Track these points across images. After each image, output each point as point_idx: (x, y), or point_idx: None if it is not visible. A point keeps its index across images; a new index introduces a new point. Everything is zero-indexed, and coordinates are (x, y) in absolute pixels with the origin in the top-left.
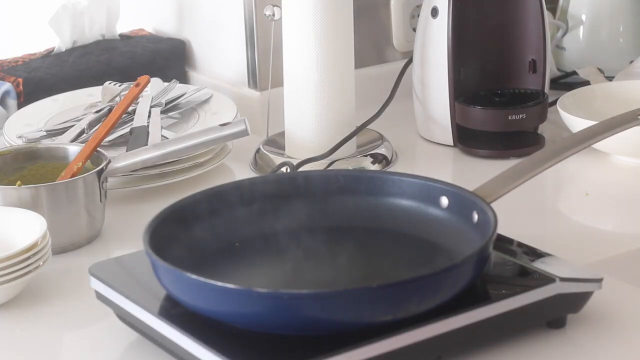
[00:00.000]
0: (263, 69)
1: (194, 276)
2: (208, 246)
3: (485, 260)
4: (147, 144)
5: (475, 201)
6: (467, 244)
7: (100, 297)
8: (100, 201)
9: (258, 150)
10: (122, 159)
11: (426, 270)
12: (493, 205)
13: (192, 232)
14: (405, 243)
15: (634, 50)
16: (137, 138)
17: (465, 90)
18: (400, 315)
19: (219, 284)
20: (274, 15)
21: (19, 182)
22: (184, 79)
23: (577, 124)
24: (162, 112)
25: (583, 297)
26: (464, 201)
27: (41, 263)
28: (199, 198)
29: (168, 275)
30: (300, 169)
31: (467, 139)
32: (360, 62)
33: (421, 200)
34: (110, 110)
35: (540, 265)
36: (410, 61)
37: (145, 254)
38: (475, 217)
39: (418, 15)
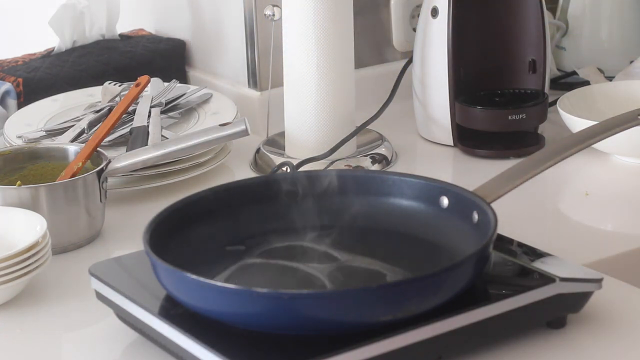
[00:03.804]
0: (263, 69)
1: (194, 276)
2: (208, 246)
3: (485, 260)
4: (147, 144)
5: (475, 201)
6: (467, 244)
7: (100, 297)
8: (100, 201)
9: (258, 150)
10: (122, 159)
11: (426, 271)
12: (493, 205)
13: (192, 232)
14: (405, 243)
15: (634, 50)
16: (137, 138)
17: (465, 90)
18: (401, 315)
19: (219, 284)
20: (274, 15)
21: (19, 182)
22: (184, 79)
23: (577, 124)
24: (162, 112)
25: (583, 297)
26: (464, 201)
27: (41, 263)
28: (200, 197)
29: (168, 275)
30: (300, 169)
31: (467, 139)
32: (360, 62)
33: (421, 200)
34: (110, 111)
35: (540, 265)
36: (410, 61)
37: (145, 254)
38: (476, 217)
39: (418, 15)
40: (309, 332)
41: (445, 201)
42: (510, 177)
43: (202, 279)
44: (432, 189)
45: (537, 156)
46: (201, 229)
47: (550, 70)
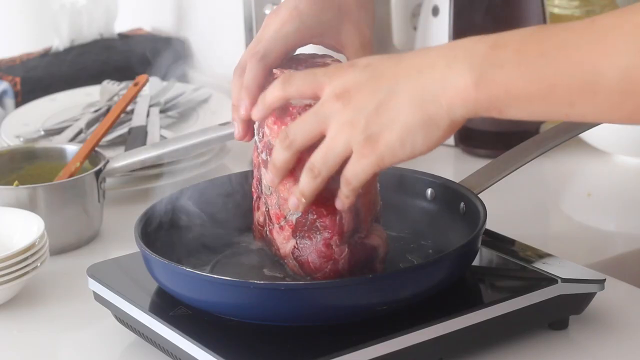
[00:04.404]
0: None
1: (189, 269)
2: (201, 239)
3: (475, 250)
4: (145, 144)
5: (463, 192)
6: (456, 234)
7: (98, 298)
8: (99, 201)
9: None
10: (120, 159)
11: (421, 260)
12: (496, 204)
13: (184, 226)
14: (392, 234)
15: None
16: (136, 138)
17: None
18: (396, 305)
19: (217, 276)
20: None
21: (16, 182)
22: (183, 78)
23: None
24: (160, 112)
25: (585, 298)
26: (450, 193)
27: (39, 264)
28: (192, 191)
29: (163, 269)
30: None
31: (468, 139)
32: None
33: (408, 192)
34: (108, 110)
35: (542, 266)
36: None
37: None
38: (463, 207)
39: (419, 14)
40: (304, 323)
41: (431, 193)
42: (496, 169)
43: (198, 272)
44: (419, 181)
45: (522, 147)
46: (194, 222)
47: None
